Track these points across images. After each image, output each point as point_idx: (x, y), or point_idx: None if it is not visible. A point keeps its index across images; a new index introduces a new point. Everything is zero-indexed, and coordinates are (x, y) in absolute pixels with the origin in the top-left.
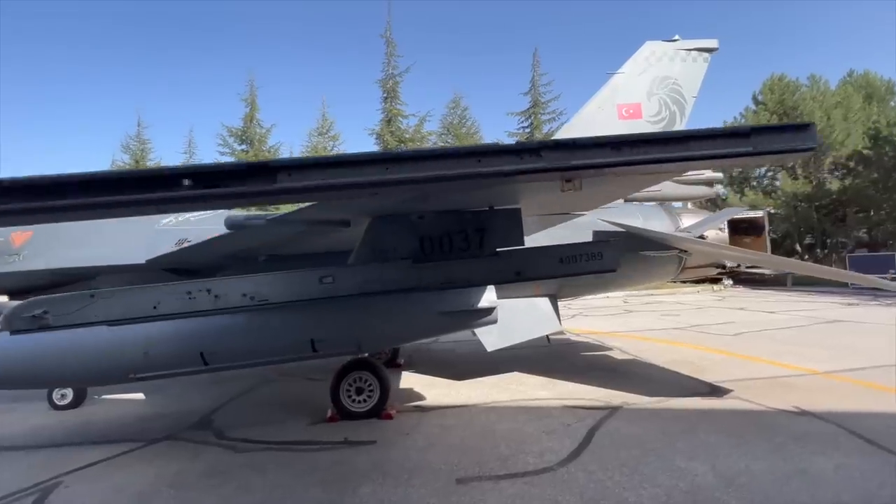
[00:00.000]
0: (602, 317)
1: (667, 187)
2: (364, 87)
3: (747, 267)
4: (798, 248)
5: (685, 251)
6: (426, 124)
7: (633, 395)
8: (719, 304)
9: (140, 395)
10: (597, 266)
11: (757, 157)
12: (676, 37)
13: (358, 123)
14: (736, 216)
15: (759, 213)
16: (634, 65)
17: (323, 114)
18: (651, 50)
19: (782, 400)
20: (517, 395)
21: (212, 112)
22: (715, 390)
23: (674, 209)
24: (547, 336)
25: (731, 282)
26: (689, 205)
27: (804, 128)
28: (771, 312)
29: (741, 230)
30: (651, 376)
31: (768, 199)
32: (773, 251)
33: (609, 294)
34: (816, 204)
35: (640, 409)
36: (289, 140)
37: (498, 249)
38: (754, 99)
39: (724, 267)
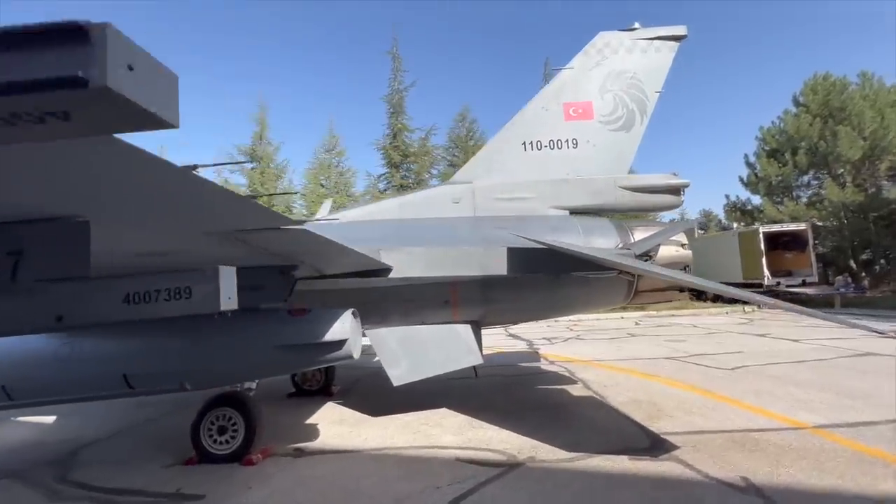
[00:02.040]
0: (599, 340)
1: (621, 196)
2: (375, 94)
3: (788, 285)
4: (853, 264)
5: (627, 272)
6: (433, 138)
7: (550, 447)
8: (739, 329)
9: (51, 418)
10: (184, 307)
11: None
12: (636, 25)
13: (367, 134)
14: (753, 229)
15: (801, 226)
16: (585, 58)
17: (330, 130)
18: (605, 41)
19: (734, 466)
20: (419, 441)
21: (221, 130)
22: (655, 447)
23: (625, 223)
24: (474, 368)
25: None
26: (732, 220)
27: (73, 34)
28: (794, 341)
29: (782, 244)
30: (593, 422)
31: (812, 209)
32: (825, 267)
33: (623, 315)
34: (874, 215)
35: (543, 468)
36: (295, 156)
37: (37, 281)
38: (795, 101)
39: (682, 289)
